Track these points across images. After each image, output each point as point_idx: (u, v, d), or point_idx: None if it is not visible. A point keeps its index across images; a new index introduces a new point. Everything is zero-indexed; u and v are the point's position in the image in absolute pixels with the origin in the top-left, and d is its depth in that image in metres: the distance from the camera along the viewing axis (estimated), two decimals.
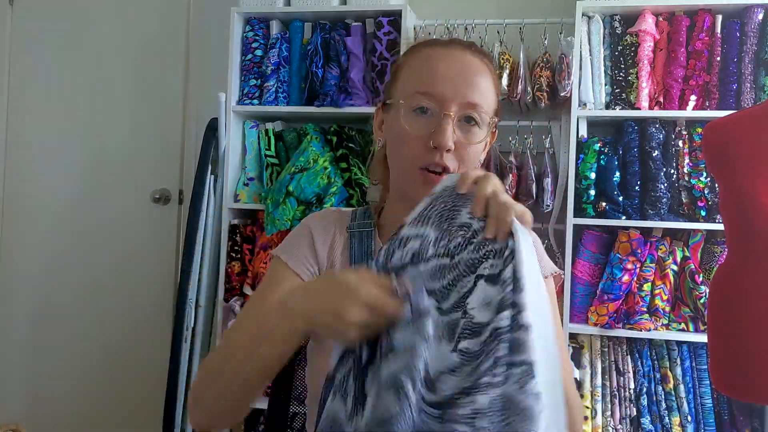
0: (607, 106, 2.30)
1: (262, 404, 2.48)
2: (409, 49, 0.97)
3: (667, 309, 2.24)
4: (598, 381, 2.25)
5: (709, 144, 1.63)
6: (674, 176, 2.25)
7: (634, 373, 2.24)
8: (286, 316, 0.75)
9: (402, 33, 2.36)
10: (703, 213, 2.20)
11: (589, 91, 2.28)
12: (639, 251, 2.22)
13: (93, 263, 2.88)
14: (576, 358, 2.27)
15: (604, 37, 2.32)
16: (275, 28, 2.53)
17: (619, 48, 2.30)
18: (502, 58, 2.33)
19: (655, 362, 2.24)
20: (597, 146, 2.26)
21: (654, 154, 2.23)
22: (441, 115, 0.88)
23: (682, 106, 2.25)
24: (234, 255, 2.49)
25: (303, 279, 0.94)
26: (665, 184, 2.22)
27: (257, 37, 2.53)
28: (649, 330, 2.20)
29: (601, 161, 2.26)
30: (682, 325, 2.22)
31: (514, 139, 2.37)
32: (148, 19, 2.88)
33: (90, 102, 2.92)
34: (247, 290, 2.42)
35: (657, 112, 2.25)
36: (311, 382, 0.93)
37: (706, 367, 2.18)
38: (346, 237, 0.97)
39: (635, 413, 2.23)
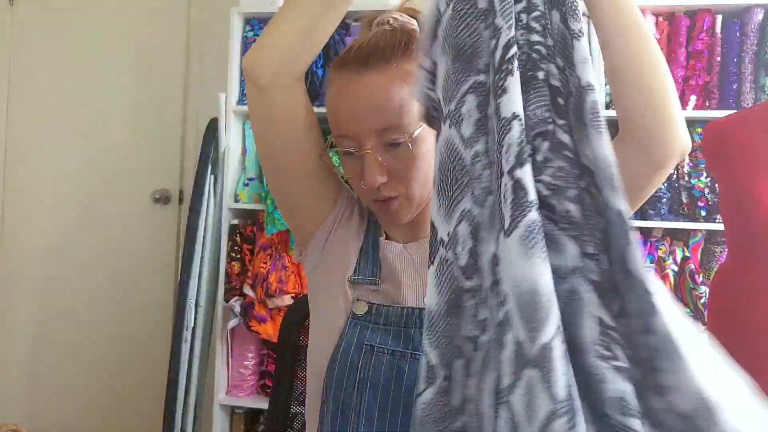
0: (608, 107, 2.30)
1: (263, 404, 2.48)
2: (329, 71, 0.93)
3: None
4: None
5: (709, 144, 1.63)
6: (674, 176, 2.25)
7: None
8: None
9: None
10: (703, 213, 2.20)
11: None
12: None
13: (93, 263, 2.89)
14: None
15: None
16: None
17: None
18: None
19: None
20: None
21: None
22: (362, 155, 0.86)
23: (682, 106, 2.25)
24: (234, 255, 2.49)
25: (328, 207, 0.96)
26: (665, 184, 2.22)
27: (257, 37, 2.52)
28: None
29: None
30: None
31: None
32: (148, 19, 2.88)
33: (90, 102, 2.92)
34: (247, 290, 2.42)
35: None
36: (313, 354, 0.94)
37: None
38: (366, 225, 0.98)
39: None
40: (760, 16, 2.21)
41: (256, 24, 2.53)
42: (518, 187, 0.56)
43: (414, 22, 0.93)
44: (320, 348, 0.91)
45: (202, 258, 2.48)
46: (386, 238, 0.96)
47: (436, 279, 0.60)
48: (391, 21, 0.92)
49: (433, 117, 0.65)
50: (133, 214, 2.86)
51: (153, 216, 2.85)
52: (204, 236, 2.48)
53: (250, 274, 2.45)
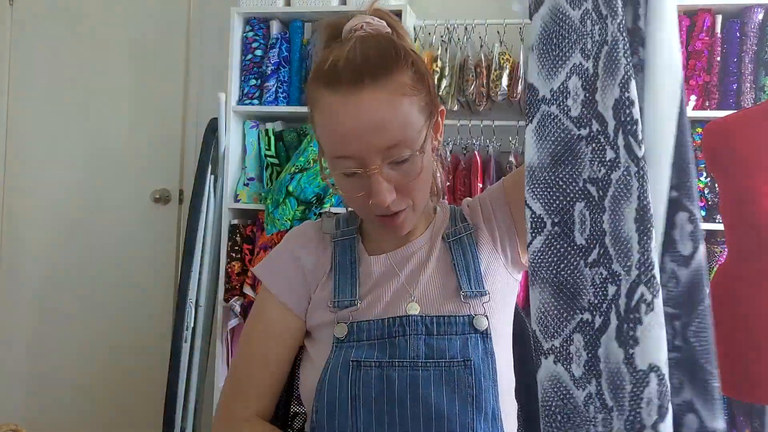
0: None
1: None
2: (311, 86, 0.86)
3: None
4: None
5: (708, 145, 1.63)
6: None
7: None
8: None
9: None
10: (703, 213, 2.20)
11: None
12: None
13: (93, 263, 2.88)
14: None
15: None
16: (275, 28, 2.53)
17: None
18: (502, 58, 2.33)
19: None
20: None
21: None
22: (368, 175, 0.82)
23: None
24: (234, 255, 2.49)
25: (291, 309, 0.94)
26: None
27: (257, 37, 2.53)
28: None
29: None
30: None
31: (514, 139, 2.37)
32: (148, 19, 2.88)
33: (90, 102, 2.92)
34: (247, 290, 2.42)
35: None
36: (304, 385, 0.93)
37: None
38: (331, 248, 0.97)
39: None
40: (760, 16, 2.21)
41: (256, 24, 2.53)
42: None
43: (385, 24, 0.89)
44: (309, 377, 0.91)
45: (201, 258, 2.48)
46: (369, 254, 0.96)
47: (537, 135, 0.64)
48: (365, 27, 0.87)
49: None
50: (133, 214, 2.86)
51: (153, 216, 2.85)
52: (204, 236, 2.49)
53: (250, 274, 2.45)
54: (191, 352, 2.45)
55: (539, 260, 0.63)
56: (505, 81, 2.31)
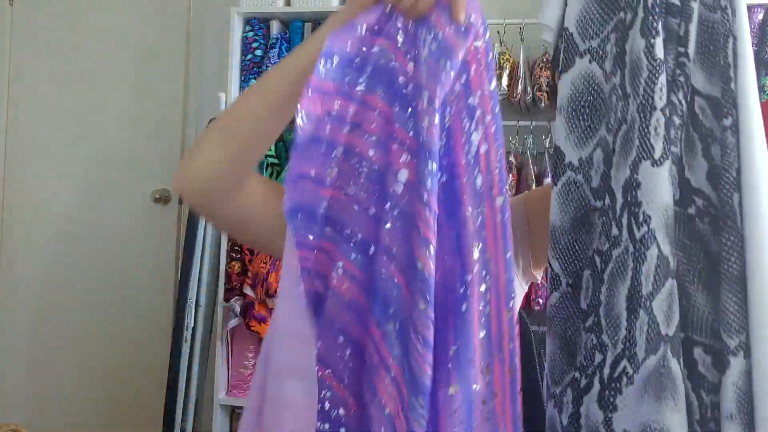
0: None
1: None
2: None
3: None
4: None
5: None
6: None
7: None
8: (305, 46, 0.76)
9: None
10: None
11: None
12: None
13: (93, 263, 2.88)
14: None
15: None
16: (275, 28, 2.53)
17: None
18: (502, 58, 2.33)
19: None
20: None
21: None
22: None
23: None
24: (234, 255, 2.48)
25: None
26: None
27: (257, 37, 2.53)
28: None
29: None
30: None
31: (514, 139, 2.37)
32: (148, 19, 2.88)
33: (90, 102, 2.92)
34: (247, 290, 2.42)
35: None
36: None
37: None
38: None
39: None
40: (760, 16, 2.21)
41: (256, 24, 2.53)
42: (670, 123, 0.63)
43: None
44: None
45: (202, 258, 2.48)
46: None
47: (561, 198, 0.68)
48: None
49: (559, 57, 0.70)
50: (133, 214, 2.86)
51: (153, 216, 2.85)
52: (204, 236, 2.48)
53: (250, 274, 2.45)
54: (191, 352, 2.45)
55: (554, 314, 0.69)
56: (505, 81, 2.31)
